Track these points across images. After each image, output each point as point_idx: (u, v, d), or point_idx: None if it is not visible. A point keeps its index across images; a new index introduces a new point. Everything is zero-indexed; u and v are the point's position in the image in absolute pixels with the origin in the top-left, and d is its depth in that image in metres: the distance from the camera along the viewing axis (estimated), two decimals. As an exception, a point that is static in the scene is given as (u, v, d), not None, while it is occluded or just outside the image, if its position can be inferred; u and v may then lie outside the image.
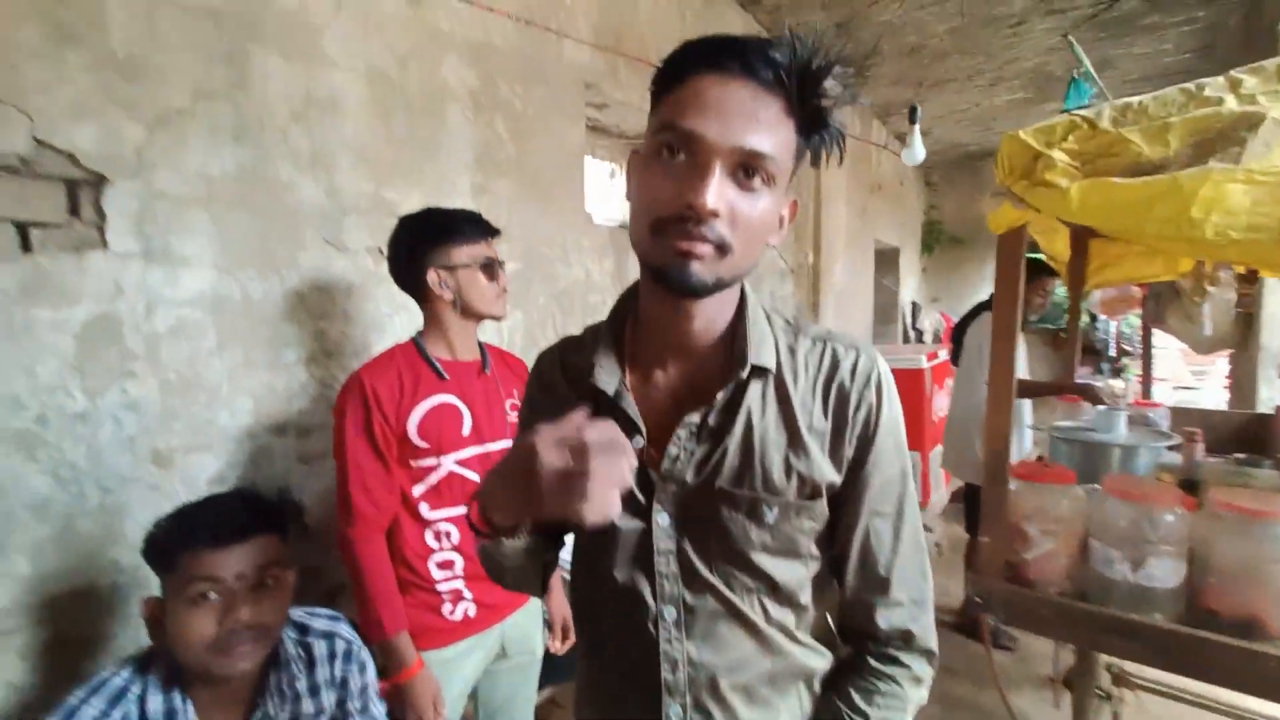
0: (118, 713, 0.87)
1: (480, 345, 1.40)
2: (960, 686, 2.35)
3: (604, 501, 0.47)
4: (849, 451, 0.65)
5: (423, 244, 1.27)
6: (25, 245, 1.12)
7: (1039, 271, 2.95)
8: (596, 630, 0.71)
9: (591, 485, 0.46)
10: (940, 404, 4.24)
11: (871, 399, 0.65)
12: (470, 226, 1.29)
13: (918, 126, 3.77)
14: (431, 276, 1.27)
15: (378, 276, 1.65)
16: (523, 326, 2.12)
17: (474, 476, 1.30)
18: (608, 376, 0.66)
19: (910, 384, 3.96)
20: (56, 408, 1.15)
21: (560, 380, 0.74)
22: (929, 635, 0.67)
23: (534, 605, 1.46)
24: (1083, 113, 1.22)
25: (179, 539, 0.91)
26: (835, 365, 0.66)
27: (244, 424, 1.41)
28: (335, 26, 1.53)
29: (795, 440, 0.64)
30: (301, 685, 1.02)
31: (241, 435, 1.41)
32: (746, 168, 0.55)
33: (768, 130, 0.55)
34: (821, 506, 0.65)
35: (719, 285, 0.58)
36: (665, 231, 0.56)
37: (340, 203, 1.56)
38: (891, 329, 6.50)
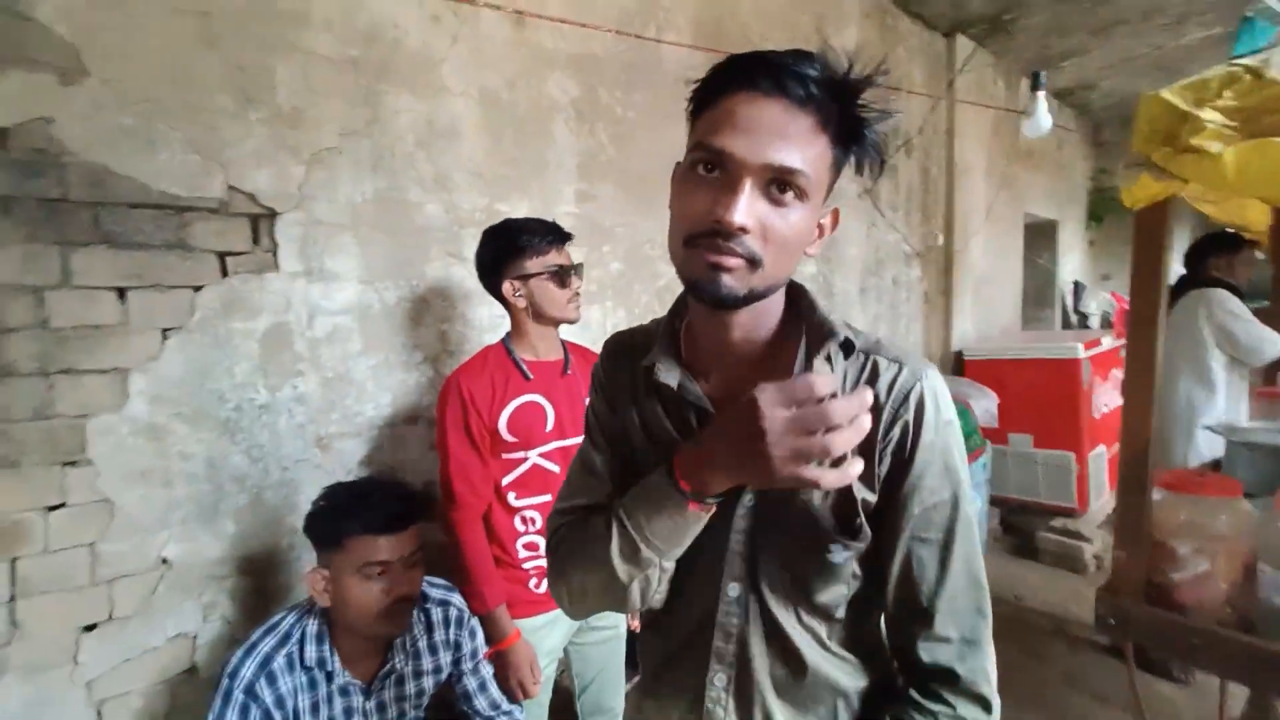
0: (283, 652, 1.08)
1: (563, 345, 1.49)
2: (1112, 716, 2.09)
3: (846, 473, 0.50)
4: (881, 470, 0.63)
5: (499, 255, 1.38)
6: (224, 271, 1.40)
7: (1237, 242, 2.52)
8: (670, 589, 0.73)
9: (835, 448, 0.49)
10: (1104, 399, 3.72)
11: (908, 417, 0.62)
12: (539, 237, 1.37)
13: (1041, 94, 3.32)
14: (506, 287, 1.38)
15: (493, 282, 1.83)
16: (625, 322, 2.22)
17: (555, 469, 1.41)
18: (667, 371, 0.68)
19: (1063, 375, 3.52)
20: (248, 401, 1.43)
21: (625, 367, 0.76)
22: (979, 679, 0.63)
23: None
24: (1245, 61, 1.04)
25: (352, 524, 1.09)
26: (874, 379, 0.64)
27: (384, 415, 1.65)
28: (453, 58, 1.71)
29: None
30: (422, 644, 1.19)
31: (383, 425, 1.65)
32: (778, 183, 0.56)
33: (798, 146, 0.56)
34: (859, 526, 0.63)
35: (751, 296, 0.59)
36: (696, 245, 0.58)
37: (458, 218, 1.75)
38: (1047, 314, 5.78)
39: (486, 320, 1.83)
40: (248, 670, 1.04)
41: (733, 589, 0.67)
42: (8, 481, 1.18)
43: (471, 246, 1.78)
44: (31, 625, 1.21)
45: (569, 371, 1.46)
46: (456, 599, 1.27)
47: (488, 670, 1.27)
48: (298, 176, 1.46)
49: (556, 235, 1.39)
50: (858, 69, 0.57)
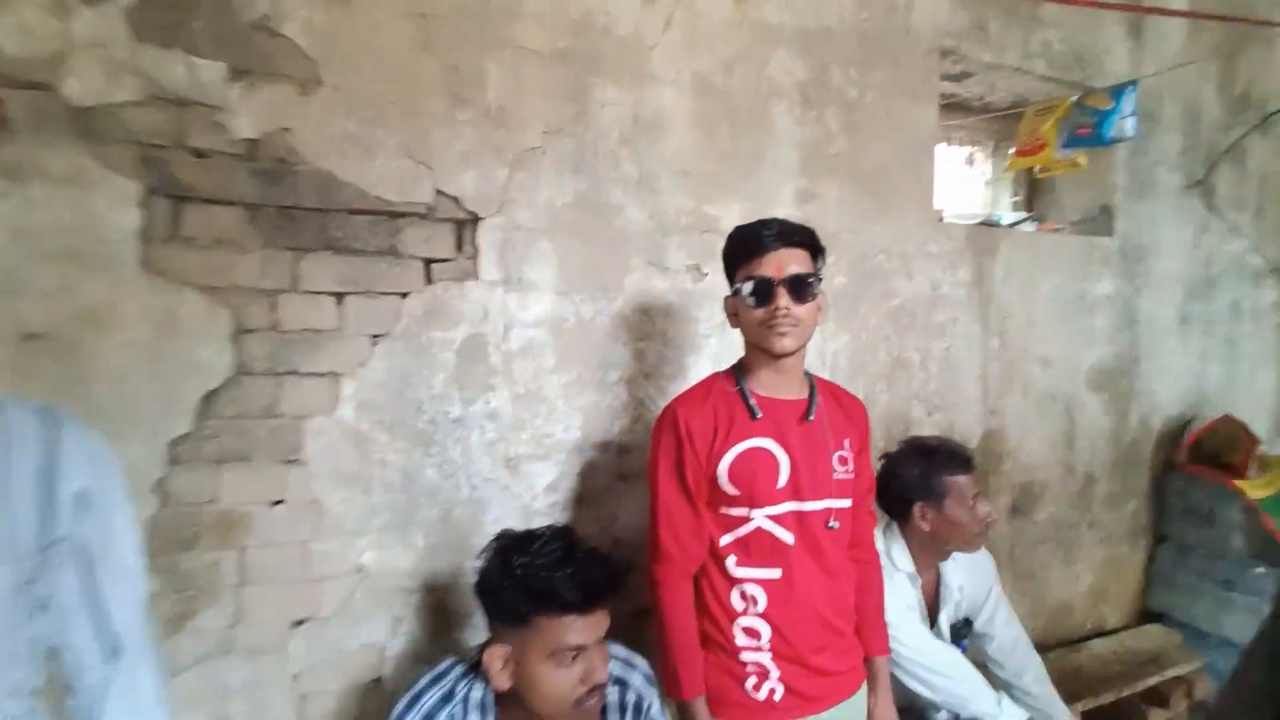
0: (445, 712, 0.93)
1: (811, 382, 1.19)
2: None
3: None
4: None
5: (726, 264, 1.16)
6: (429, 278, 1.37)
7: None
8: None
9: None
10: None
11: None
12: (752, 238, 1.09)
13: None
14: (727, 303, 1.16)
15: (696, 296, 1.60)
16: (848, 350, 1.83)
17: (786, 537, 1.10)
18: None
19: None
20: (442, 413, 1.38)
21: None
22: None
23: (858, 702, 1.17)
24: None
25: (546, 603, 0.91)
26: None
27: (574, 438, 1.50)
28: (664, 43, 1.53)
29: None
30: None
31: (572, 449, 1.50)
32: None
33: None
34: None
35: None
36: None
37: (662, 222, 1.55)
38: None
39: (689, 339, 1.60)
40: None
41: None
42: (241, 474, 1.24)
43: (675, 256, 1.58)
44: (254, 612, 1.25)
45: (813, 417, 1.14)
46: (637, 677, 1.04)
47: None
48: (500, 179, 1.39)
49: (768, 237, 1.08)
50: None
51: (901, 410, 1.95)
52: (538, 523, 1.45)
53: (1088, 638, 2.36)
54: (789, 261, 1.07)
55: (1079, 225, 2.34)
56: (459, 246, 1.39)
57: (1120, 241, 2.27)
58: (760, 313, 1.08)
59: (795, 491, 1.12)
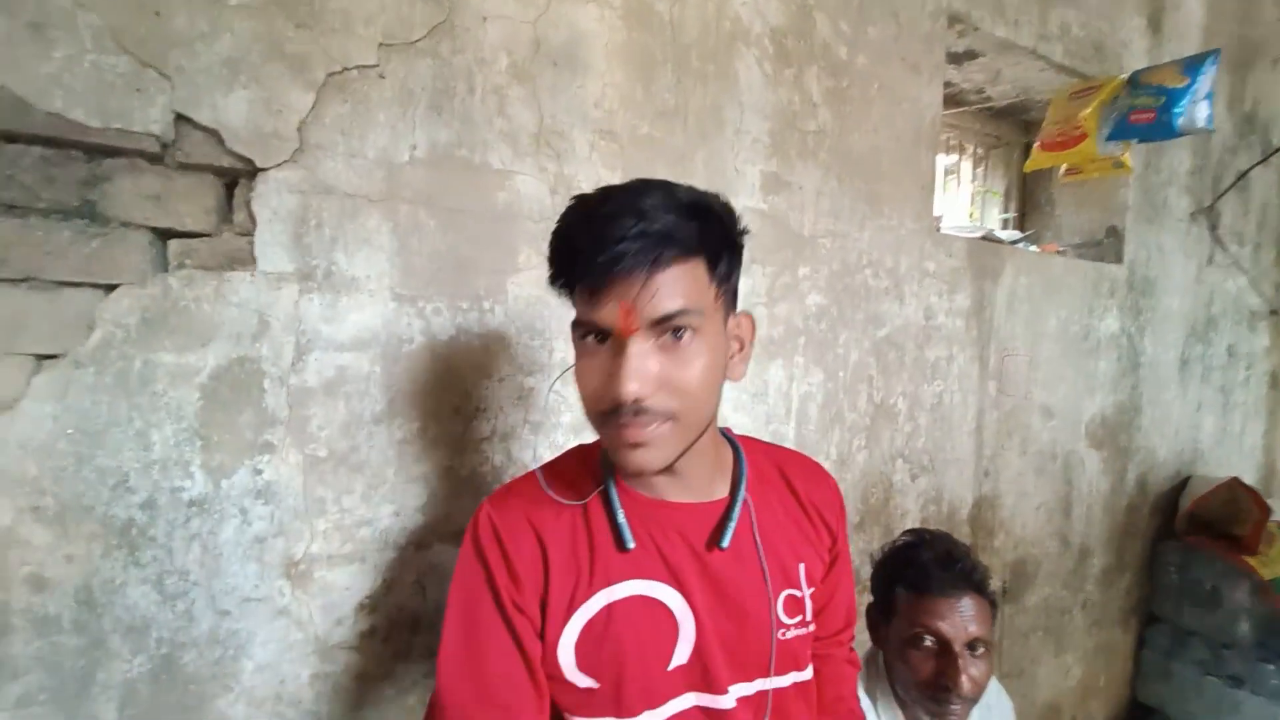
0: None
1: (737, 461, 0.70)
2: None
3: None
4: None
5: (554, 273, 0.61)
6: (163, 263, 0.81)
7: None
8: None
9: None
10: None
11: None
12: (579, 247, 0.55)
13: None
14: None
15: (616, 312, 1.10)
16: (821, 393, 1.37)
17: None
18: None
19: None
20: (169, 491, 0.81)
21: None
22: None
23: None
24: None
25: None
26: None
27: (410, 526, 0.96)
28: (584, -60, 1.04)
29: None
30: None
31: (405, 543, 0.96)
32: None
33: None
34: None
35: None
36: None
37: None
38: None
39: (599, 375, 1.09)
40: None
41: None
42: None
43: (587, 250, 1.08)
44: None
45: (724, 544, 0.64)
46: None
47: None
48: (299, 109, 0.85)
49: (610, 243, 0.53)
50: None
51: (882, 473, 1.51)
52: (336, 661, 0.91)
53: (1077, 742, 1.99)
54: (647, 294, 0.53)
55: (1080, 249, 1.99)
56: (225, 215, 0.84)
57: (1128, 271, 1.94)
58: (595, 376, 0.56)
59: (704, 675, 0.63)
